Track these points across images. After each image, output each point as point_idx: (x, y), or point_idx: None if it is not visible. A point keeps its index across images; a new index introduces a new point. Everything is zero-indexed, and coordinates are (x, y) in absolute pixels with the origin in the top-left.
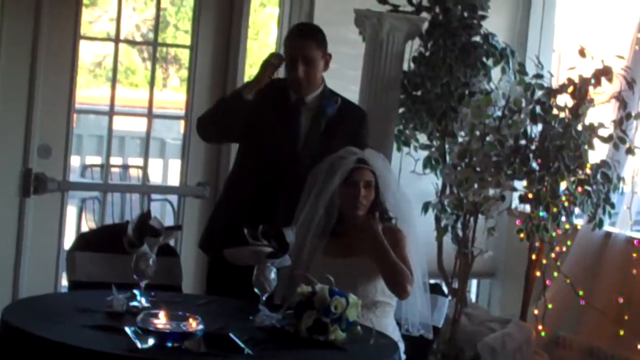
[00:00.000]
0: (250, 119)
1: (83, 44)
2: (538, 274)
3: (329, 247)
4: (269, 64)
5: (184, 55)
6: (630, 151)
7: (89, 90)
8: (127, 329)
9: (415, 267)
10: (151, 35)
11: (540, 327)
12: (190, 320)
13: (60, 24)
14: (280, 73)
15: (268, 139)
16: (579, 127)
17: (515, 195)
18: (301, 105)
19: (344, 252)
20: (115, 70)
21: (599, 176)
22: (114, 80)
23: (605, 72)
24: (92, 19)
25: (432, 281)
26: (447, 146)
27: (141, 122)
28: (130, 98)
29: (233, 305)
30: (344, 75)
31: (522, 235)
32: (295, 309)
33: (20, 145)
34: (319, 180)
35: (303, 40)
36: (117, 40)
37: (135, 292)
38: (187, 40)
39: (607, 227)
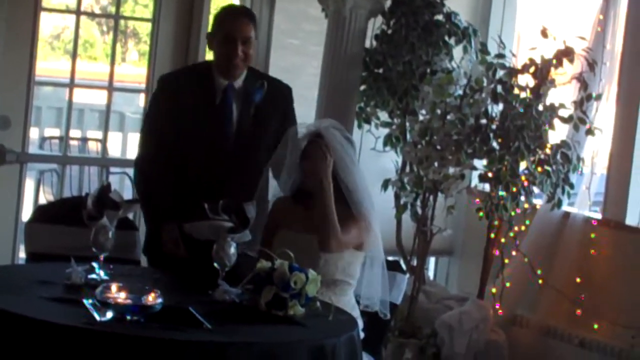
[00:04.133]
0: (177, 113)
1: (42, 16)
2: (496, 252)
3: (296, 219)
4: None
5: (143, 29)
6: (590, 132)
7: (47, 63)
8: (85, 302)
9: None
10: (110, 9)
11: (497, 306)
12: (150, 293)
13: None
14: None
15: (200, 132)
16: (540, 108)
17: (475, 174)
18: (231, 92)
19: (307, 227)
20: (76, 43)
21: (558, 156)
22: (74, 53)
23: (566, 53)
24: None
25: (390, 258)
26: (407, 124)
27: (101, 95)
28: (89, 71)
29: (192, 280)
30: (307, 52)
31: (481, 214)
32: (255, 283)
33: None
34: (280, 155)
35: (245, 20)
36: (78, 12)
37: (94, 264)
38: (146, 13)
39: (565, 207)
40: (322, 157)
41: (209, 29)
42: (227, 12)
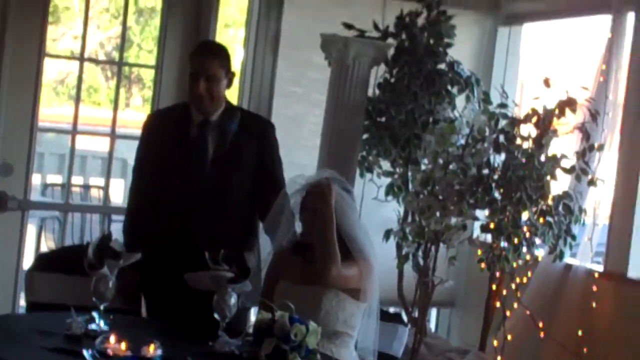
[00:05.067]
0: (154, 150)
1: (46, 62)
2: (498, 304)
3: (295, 271)
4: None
5: (147, 74)
6: (592, 183)
7: (51, 108)
8: (85, 353)
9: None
10: (115, 54)
11: (499, 358)
12: (149, 344)
13: (25, 41)
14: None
15: (176, 166)
16: (542, 158)
17: (477, 224)
18: (206, 126)
19: (308, 279)
20: (79, 88)
21: (560, 207)
22: (77, 99)
23: (569, 103)
24: (56, 37)
25: (392, 310)
26: (410, 173)
27: (104, 141)
28: (93, 117)
29: (192, 330)
30: (309, 99)
31: (483, 265)
32: (255, 335)
33: None
34: (281, 205)
35: (205, 57)
36: (82, 59)
37: (94, 314)
38: (150, 59)
39: (567, 259)
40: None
41: None
42: (195, 48)
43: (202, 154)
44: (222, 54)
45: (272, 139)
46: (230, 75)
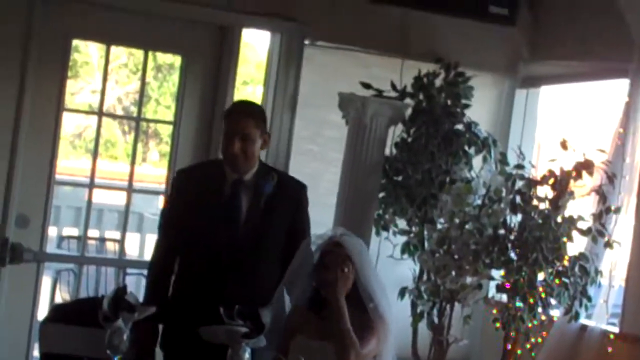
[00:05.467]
0: (186, 206)
1: (64, 115)
2: None
3: (311, 327)
4: None
5: (164, 129)
6: (608, 245)
7: (68, 161)
8: None
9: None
10: (132, 109)
11: None
12: None
13: (44, 95)
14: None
15: (208, 224)
16: (559, 219)
17: (493, 284)
18: (240, 185)
19: (323, 334)
20: (97, 143)
21: (576, 268)
22: (95, 153)
23: (586, 166)
24: (74, 90)
25: None
26: (426, 232)
27: (120, 195)
28: (109, 170)
29: None
30: (326, 158)
31: (498, 324)
32: None
33: None
34: (298, 262)
35: (241, 117)
36: (100, 113)
37: None
38: (168, 115)
39: (583, 320)
40: (341, 271)
41: None
42: (230, 108)
43: (236, 213)
44: (257, 114)
45: (304, 201)
46: (265, 136)
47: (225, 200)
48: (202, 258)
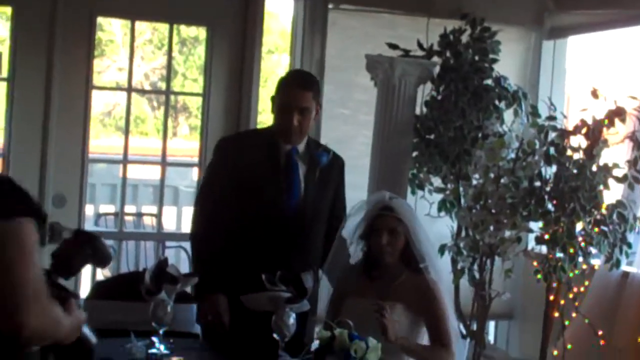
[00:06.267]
0: (237, 177)
1: (93, 94)
2: (556, 314)
3: (363, 289)
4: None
5: (193, 103)
6: None
7: (99, 140)
8: None
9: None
10: (160, 84)
11: None
12: None
13: (72, 75)
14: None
15: (269, 195)
16: (594, 168)
17: (532, 236)
18: (296, 155)
19: (376, 295)
20: (128, 119)
21: (614, 216)
22: (127, 129)
23: (618, 113)
24: (101, 69)
25: None
26: (461, 189)
27: (154, 170)
28: (141, 147)
29: (252, 352)
30: (357, 121)
31: (539, 276)
32: (315, 353)
33: (35, 195)
34: (351, 224)
35: (302, 90)
36: (129, 89)
37: (154, 339)
38: (195, 88)
39: (624, 267)
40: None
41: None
42: (286, 80)
43: (293, 184)
44: (315, 86)
45: (343, 174)
46: (317, 107)
47: (283, 170)
48: (263, 229)
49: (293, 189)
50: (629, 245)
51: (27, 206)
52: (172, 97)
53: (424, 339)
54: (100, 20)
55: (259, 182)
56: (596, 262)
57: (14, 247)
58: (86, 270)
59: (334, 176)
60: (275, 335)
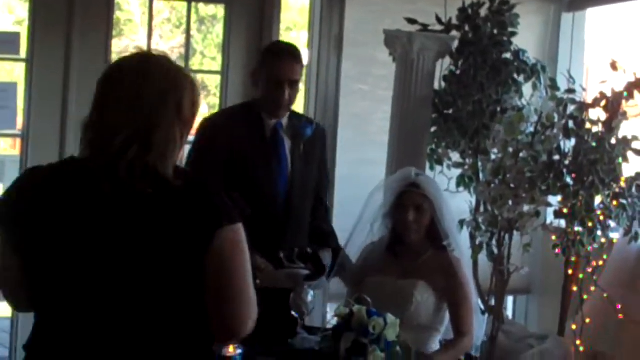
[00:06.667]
0: (222, 154)
1: None
2: (575, 288)
3: (387, 266)
4: None
5: (211, 81)
6: None
7: None
8: None
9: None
10: (179, 63)
11: (578, 342)
12: (229, 344)
13: (91, 55)
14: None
15: (259, 173)
16: (613, 141)
17: (550, 210)
18: (281, 130)
19: (400, 273)
20: None
21: (634, 189)
22: None
23: (637, 85)
24: (119, 49)
25: None
26: (480, 164)
27: None
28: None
29: (271, 329)
30: (376, 96)
31: (558, 250)
32: (334, 330)
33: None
34: (374, 201)
35: (292, 62)
36: None
37: None
38: (214, 66)
39: None
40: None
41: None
42: (274, 52)
43: (280, 158)
44: (300, 54)
45: (326, 142)
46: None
47: (269, 145)
48: (255, 209)
49: (281, 166)
50: None
51: (241, 209)
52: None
53: (446, 318)
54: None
55: (248, 163)
56: (615, 236)
57: (240, 252)
58: None
59: (317, 149)
60: (293, 313)
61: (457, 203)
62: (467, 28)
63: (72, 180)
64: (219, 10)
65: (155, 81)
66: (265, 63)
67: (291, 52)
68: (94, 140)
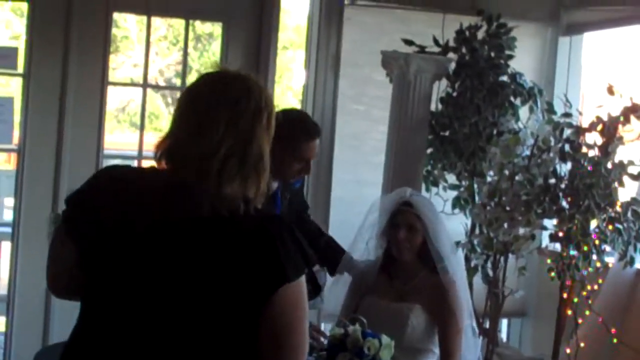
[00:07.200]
0: None
1: (108, 90)
2: (569, 312)
3: (381, 287)
4: None
5: None
6: None
7: (113, 135)
8: None
9: (464, 314)
10: (174, 81)
11: None
12: None
13: (88, 71)
14: None
15: None
16: (609, 165)
17: (546, 234)
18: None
19: (394, 295)
20: (143, 115)
21: (629, 214)
22: (142, 125)
23: (634, 110)
24: (115, 66)
25: None
26: (476, 186)
27: None
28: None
29: None
30: (372, 117)
31: (552, 274)
32: (329, 350)
33: (50, 191)
34: (369, 220)
35: (317, 141)
36: (145, 85)
37: None
38: None
39: (638, 265)
40: (410, 229)
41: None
42: (305, 130)
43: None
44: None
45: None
46: None
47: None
48: None
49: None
50: None
51: (307, 262)
52: None
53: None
54: (115, 16)
55: None
56: (610, 260)
57: (301, 307)
58: None
59: (297, 204)
60: None
61: (452, 225)
62: (464, 50)
63: (152, 190)
64: (216, 28)
65: (252, 100)
66: (295, 138)
67: (319, 132)
68: (180, 155)
